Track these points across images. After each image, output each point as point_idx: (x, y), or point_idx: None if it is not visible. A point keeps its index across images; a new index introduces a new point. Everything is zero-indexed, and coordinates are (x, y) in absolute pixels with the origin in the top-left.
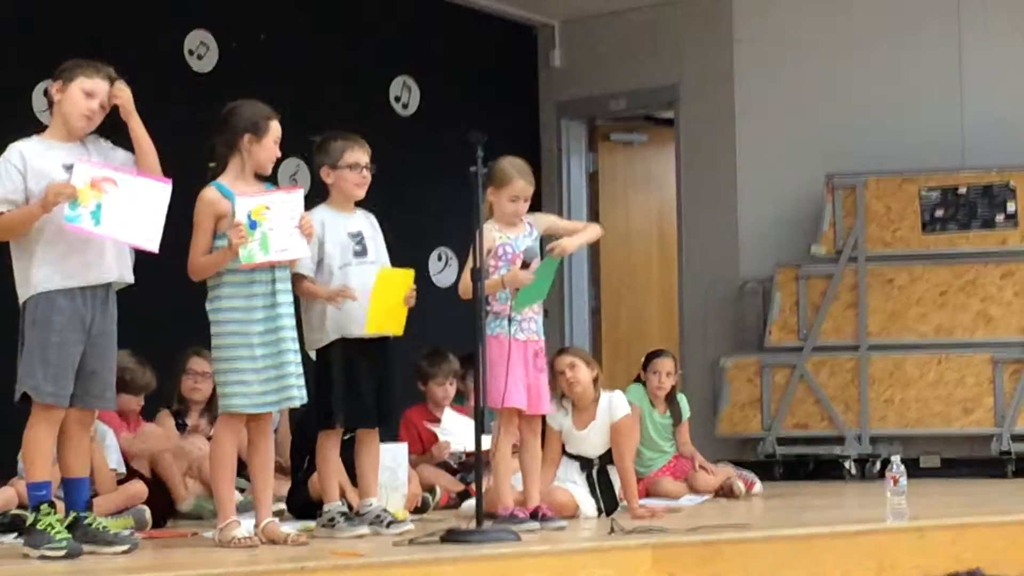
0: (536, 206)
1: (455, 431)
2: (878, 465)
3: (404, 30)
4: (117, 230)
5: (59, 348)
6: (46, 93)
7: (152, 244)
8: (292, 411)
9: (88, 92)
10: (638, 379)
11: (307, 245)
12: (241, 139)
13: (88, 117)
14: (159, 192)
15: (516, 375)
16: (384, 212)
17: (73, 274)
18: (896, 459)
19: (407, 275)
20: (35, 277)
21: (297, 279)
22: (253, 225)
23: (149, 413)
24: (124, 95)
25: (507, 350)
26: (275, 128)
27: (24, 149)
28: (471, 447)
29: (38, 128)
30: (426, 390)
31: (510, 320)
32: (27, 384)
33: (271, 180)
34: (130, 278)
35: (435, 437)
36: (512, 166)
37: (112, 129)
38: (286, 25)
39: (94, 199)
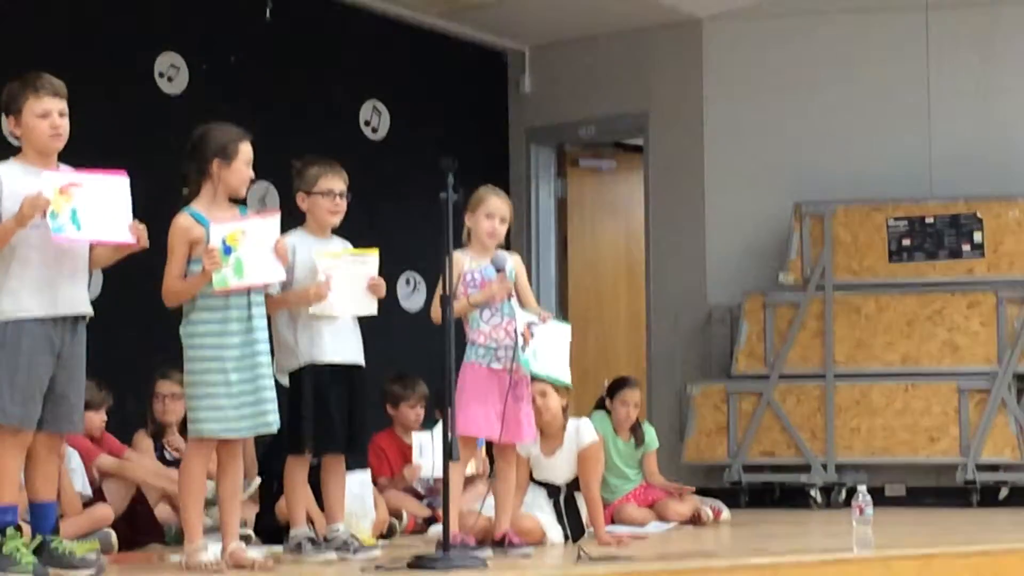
0: (506, 232)
1: (429, 453)
2: (844, 494)
3: (374, 54)
4: (97, 231)
5: (28, 371)
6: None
7: (128, 237)
8: (258, 437)
9: (42, 114)
10: (602, 406)
11: (283, 269)
12: (211, 164)
13: (56, 135)
14: (120, 185)
15: (480, 404)
16: (352, 236)
17: (40, 306)
18: (862, 488)
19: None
20: (3, 306)
21: (266, 300)
22: (228, 250)
23: (124, 437)
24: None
25: (478, 378)
26: (245, 150)
27: (1, 172)
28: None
29: (11, 151)
30: (396, 414)
31: (488, 348)
32: None
33: (242, 202)
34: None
35: (404, 462)
36: (487, 188)
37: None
38: (256, 48)
39: (67, 204)
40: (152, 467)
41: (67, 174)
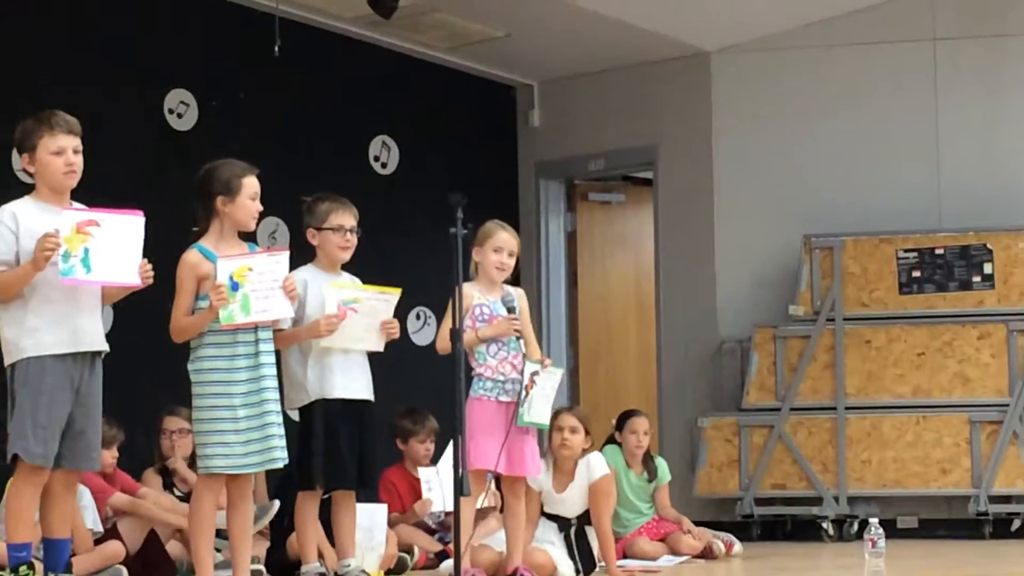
0: (515, 265)
1: (439, 488)
2: (856, 526)
3: (383, 89)
4: (106, 273)
5: (49, 409)
6: (24, 169)
7: (135, 279)
8: (269, 472)
9: (56, 151)
10: (612, 440)
11: (291, 306)
12: (216, 201)
13: (70, 172)
14: (135, 225)
15: (487, 437)
16: (363, 270)
17: (61, 342)
18: (874, 521)
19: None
20: (24, 343)
21: (275, 333)
22: (235, 286)
23: (134, 474)
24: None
25: (486, 412)
26: (249, 185)
27: (16, 210)
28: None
29: (21, 188)
30: (406, 448)
31: (495, 381)
32: (17, 446)
33: (252, 239)
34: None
35: (415, 497)
36: (494, 223)
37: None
38: (265, 83)
39: (81, 244)
40: (166, 503)
41: (86, 212)
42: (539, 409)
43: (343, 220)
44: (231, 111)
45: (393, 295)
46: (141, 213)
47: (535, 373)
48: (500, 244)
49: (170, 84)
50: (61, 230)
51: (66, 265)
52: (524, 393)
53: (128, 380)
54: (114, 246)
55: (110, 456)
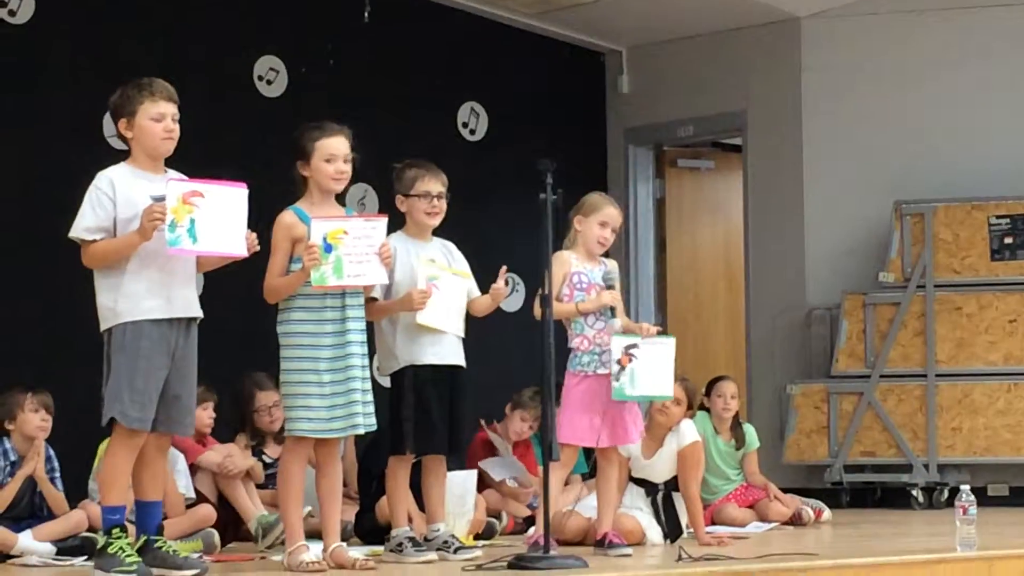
0: None
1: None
2: (946, 494)
3: (472, 56)
4: (212, 243)
5: (146, 374)
6: (118, 135)
7: (241, 250)
8: (359, 436)
9: (156, 117)
10: (702, 407)
11: (385, 273)
12: (297, 166)
13: (169, 138)
14: (239, 197)
15: (585, 413)
16: (451, 237)
17: (157, 307)
18: (965, 488)
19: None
20: (121, 308)
21: (369, 304)
22: (328, 248)
23: (223, 436)
24: None
25: (582, 387)
26: (322, 147)
27: (114, 177)
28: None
29: (112, 154)
30: (509, 416)
31: (592, 354)
32: (115, 409)
33: (340, 202)
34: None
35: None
36: (602, 196)
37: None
38: (354, 51)
39: (187, 215)
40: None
41: (191, 183)
42: (649, 381)
43: (430, 186)
44: (320, 78)
45: (465, 279)
46: (245, 185)
47: (631, 346)
48: (607, 219)
49: (259, 51)
50: (167, 200)
51: (173, 235)
52: (618, 367)
53: (220, 343)
54: (219, 217)
55: (207, 416)
